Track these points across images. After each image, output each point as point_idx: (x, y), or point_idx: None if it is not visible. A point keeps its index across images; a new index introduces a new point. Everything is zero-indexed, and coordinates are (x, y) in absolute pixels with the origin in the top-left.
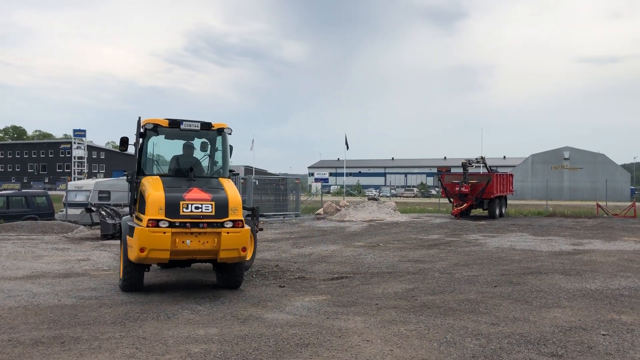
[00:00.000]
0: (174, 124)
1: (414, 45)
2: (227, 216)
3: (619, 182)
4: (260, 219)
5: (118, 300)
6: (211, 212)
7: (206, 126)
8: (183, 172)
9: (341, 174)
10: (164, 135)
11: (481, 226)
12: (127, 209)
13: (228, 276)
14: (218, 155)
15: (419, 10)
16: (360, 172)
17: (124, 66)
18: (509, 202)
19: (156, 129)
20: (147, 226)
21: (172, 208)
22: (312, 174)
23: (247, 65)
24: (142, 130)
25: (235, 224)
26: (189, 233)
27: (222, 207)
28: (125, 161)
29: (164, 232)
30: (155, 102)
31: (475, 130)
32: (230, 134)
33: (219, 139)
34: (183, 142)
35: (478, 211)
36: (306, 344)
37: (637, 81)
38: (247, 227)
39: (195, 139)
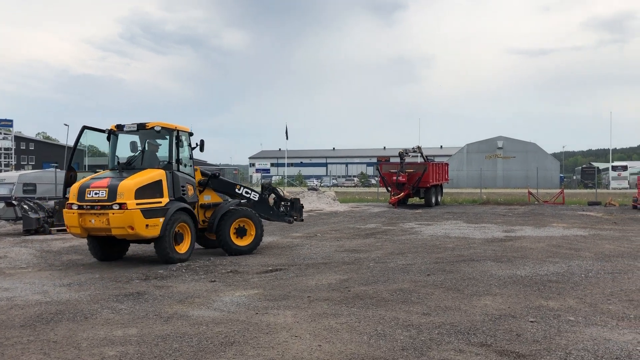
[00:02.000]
0: (119, 127)
1: (354, 36)
2: (115, 200)
3: (549, 170)
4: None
5: (32, 301)
6: (104, 197)
7: (141, 126)
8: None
9: (283, 164)
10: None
11: (417, 214)
12: (52, 203)
13: (156, 252)
14: (160, 149)
15: (359, 0)
16: (302, 162)
17: (55, 53)
18: (445, 190)
19: (112, 132)
20: (66, 208)
21: (80, 194)
22: (253, 165)
23: (185, 53)
24: (107, 134)
25: (121, 206)
26: (91, 214)
27: (112, 193)
28: (57, 153)
29: (73, 213)
30: (88, 90)
31: (414, 120)
32: (159, 131)
33: (156, 135)
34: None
35: (415, 200)
36: (231, 342)
37: (566, 73)
38: (133, 209)
39: (164, 137)
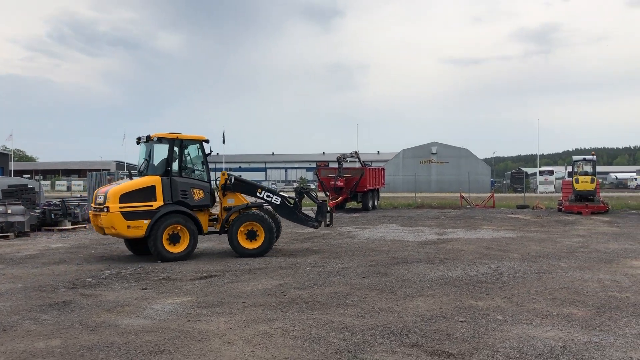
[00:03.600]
0: (139, 139)
1: (292, 41)
2: (105, 204)
3: (480, 174)
4: None
5: None
6: (102, 201)
7: (148, 138)
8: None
9: (220, 169)
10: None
11: (355, 218)
12: None
13: (149, 249)
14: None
15: (297, 5)
16: (240, 167)
17: None
18: (381, 194)
19: (137, 143)
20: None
21: (95, 198)
22: None
23: (118, 55)
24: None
25: (107, 209)
26: (97, 215)
27: (105, 198)
28: None
29: (91, 214)
30: (14, 92)
31: (352, 126)
32: (158, 141)
33: (154, 146)
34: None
35: (353, 204)
36: (161, 351)
37: (496, 81)
38: (115, 212)
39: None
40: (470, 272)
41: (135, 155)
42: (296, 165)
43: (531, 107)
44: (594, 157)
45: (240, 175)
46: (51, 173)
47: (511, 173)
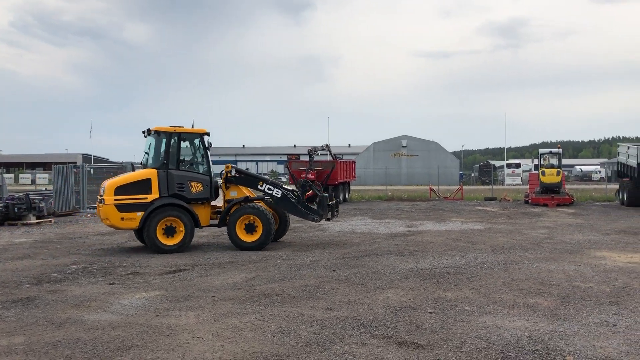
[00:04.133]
0: (143, 132)
1: (262, 33)
2: (102, 196)
3: (449, 167)
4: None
5: None
6: (102, 193)
7: (148, 131)
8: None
9: None
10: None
11: None
12: None
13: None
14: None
15: None
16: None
17: None
18: (352, 187)
19: (145, 136)
20: None
21: (100, 190)
22: None
23: (85, 45)
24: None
25: (104, 201)
26: (99, 206)
27: (103, 190)
28: None
29: (97, 205)
30: None
31: (323, 119)
32: (156, 134)
33: (155, 139)
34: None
35: None
36: (129, 347)
37: (465, 75)
38: (109, 204)
39: (163, 139)
40: (439, 263)
41: (101, 148)
42: (267, 158)
43: (499, 101)
44: (560, 150)
45: (248, 169)
46: (15, 166)
47: (479, 166)
